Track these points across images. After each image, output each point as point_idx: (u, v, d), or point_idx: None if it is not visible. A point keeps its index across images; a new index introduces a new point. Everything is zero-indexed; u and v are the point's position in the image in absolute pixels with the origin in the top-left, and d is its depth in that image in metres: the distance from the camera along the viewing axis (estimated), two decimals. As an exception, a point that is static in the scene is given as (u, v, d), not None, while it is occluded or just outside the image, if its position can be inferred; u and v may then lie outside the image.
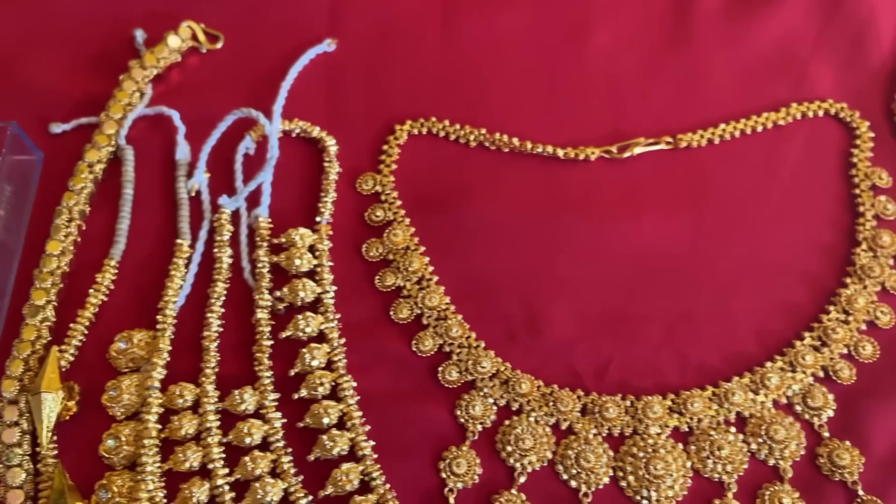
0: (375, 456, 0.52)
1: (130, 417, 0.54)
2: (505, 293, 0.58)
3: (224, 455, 0.52)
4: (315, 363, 0.55)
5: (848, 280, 0.58)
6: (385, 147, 0.64)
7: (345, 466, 0.51)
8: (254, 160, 0.63)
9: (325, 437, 0.52)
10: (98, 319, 0.57)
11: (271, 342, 0.56)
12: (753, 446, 0.53)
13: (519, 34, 0.69)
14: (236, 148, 0.63)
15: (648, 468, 0.52)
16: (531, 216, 0.61)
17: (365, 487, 0.52)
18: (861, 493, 0.51)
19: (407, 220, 0.61)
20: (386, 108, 0.66)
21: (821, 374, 0.55)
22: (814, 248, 0.60)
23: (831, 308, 0.57)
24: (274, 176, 0.62)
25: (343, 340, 0.56)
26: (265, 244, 0.59)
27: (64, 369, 0.55)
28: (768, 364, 0.55)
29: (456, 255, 0.60)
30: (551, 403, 0.54)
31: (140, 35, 0.68)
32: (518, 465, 0.52)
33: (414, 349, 0.56)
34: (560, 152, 0.63)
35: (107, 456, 0.52)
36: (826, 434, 0.53)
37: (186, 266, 0.59)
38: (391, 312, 0.58)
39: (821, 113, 0.65)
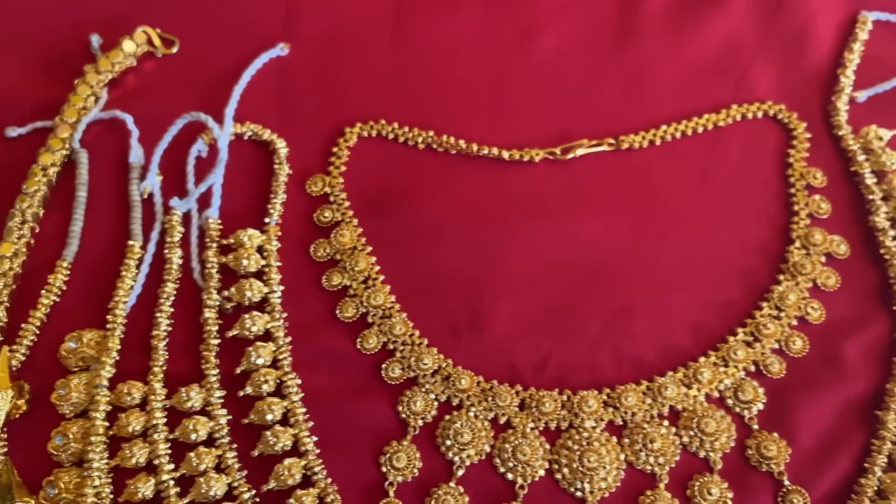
0: (318, 451, 0.54)
1: (79, 415, 0.55)
2: (449, 291, 0.60)
3: (170, 451, 0.53)
4: (260, 361, 0.56)
5: (781, 277, 0.60)
6: (335, 149, 0.65)
7: (287, 461, 0.53)
8: (206, 163, 0.65)
9: (268, 433, 0.53)
10: (50, 320, 0.58)
11: (218, 341, 0.57)
12: (685, 439, 0.55)
13: (468, 39, 0.70)
14: (189, 151, 0.64)
15: (582, 461, 0.53)
16: (476, 216, 0.63)
17: (307, 482, 0.53)
18: (787, 483, 0.53)
19: (355, 221, 0.62)
20: (337, 111, 0.67)
21: (752, 368, 0.57)
22: (750, 246, 0.62)
23: (764, 304, 0.59)
24: (225, 178, 0.63)
25: (289, 339, 0.57)
26: (214, 245, 0.60)
27: (15, 369, 0.56)
28: (701, 359, 0.57)
29: (402, 255, 0.61)
30: (490, 399, 0.56)
31: (96, 40, 0.69)
32: (457, 458, 0.54)
33: (358, 347, 0.58)
34: (505, 154, 0.65)
35: (55, 453, 0.53)
36: (755, 426, 0.55)
37: (138, 267, 0.60)
38: (337, 311, 0.59)
39: (760, 114, 0.67)
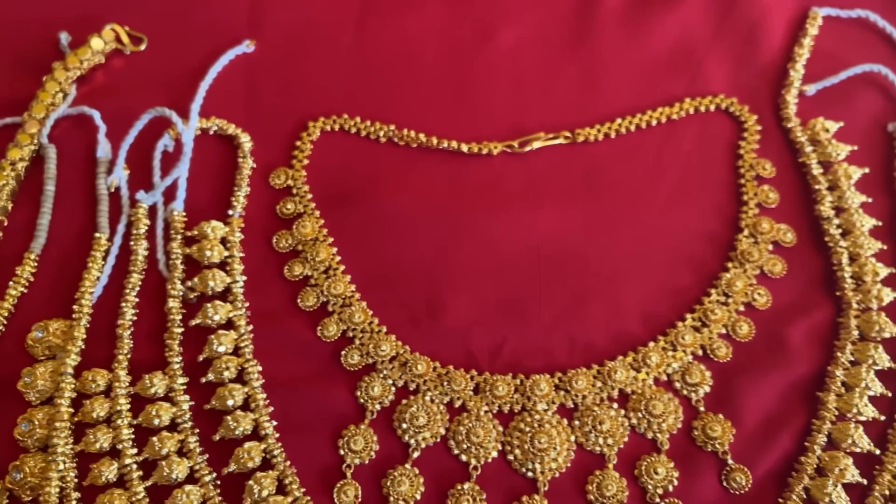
0: (277, 435, 0.55)
1: (45, 402, 0.56)
2: (408, 281, 0.62)
3: (133, 436, 0.55)
4: (222, 349, 0.58)
5: (729, 265, 0.62)
6: (298, 143, 0.67)
7: (247, 445, 0.54)
8: (173, 157, 0.66)
9: (229, 417, 0.55)
10: (17, 310, 0.60)
11: (182, 329, 0.59)
12: (633, 420, 0.56)
13: (429, 35, 0.72)
14: (155, 145, 0.65)
15: (534, 442, 0.55)
16: (435, 208, 0.64)
17: (266, 464, 0.55)
18: (730, 461, 0.55)
19: (317, 213, 0.64)
20: (301, 106, 0.69)
21: (700, 352, 0.59)
22: (700, 235, 0.64)
23: (713, 291, 0.61)
24: (190, 171, 0.65)
25: (251, 327, 0.59)
26: (179, 237, 0.62)
27: (-18, 358, 0.57)
28: (651, 344, 0.59)
29: (363, 246, 0.63)
30: (446, 383, 0.57)
31: (65, 37, 0.70)
32: (413, 441, 0.56)
33: (319, 335, 0.59)
34: (464, 147, 0.67)
35: (21, 439, 0.55)
36: (702, 408, 0.57)
37: (104, 258, 0.61)
38: (298, 300, 0.61)
39: (712, 108, 0.69)
